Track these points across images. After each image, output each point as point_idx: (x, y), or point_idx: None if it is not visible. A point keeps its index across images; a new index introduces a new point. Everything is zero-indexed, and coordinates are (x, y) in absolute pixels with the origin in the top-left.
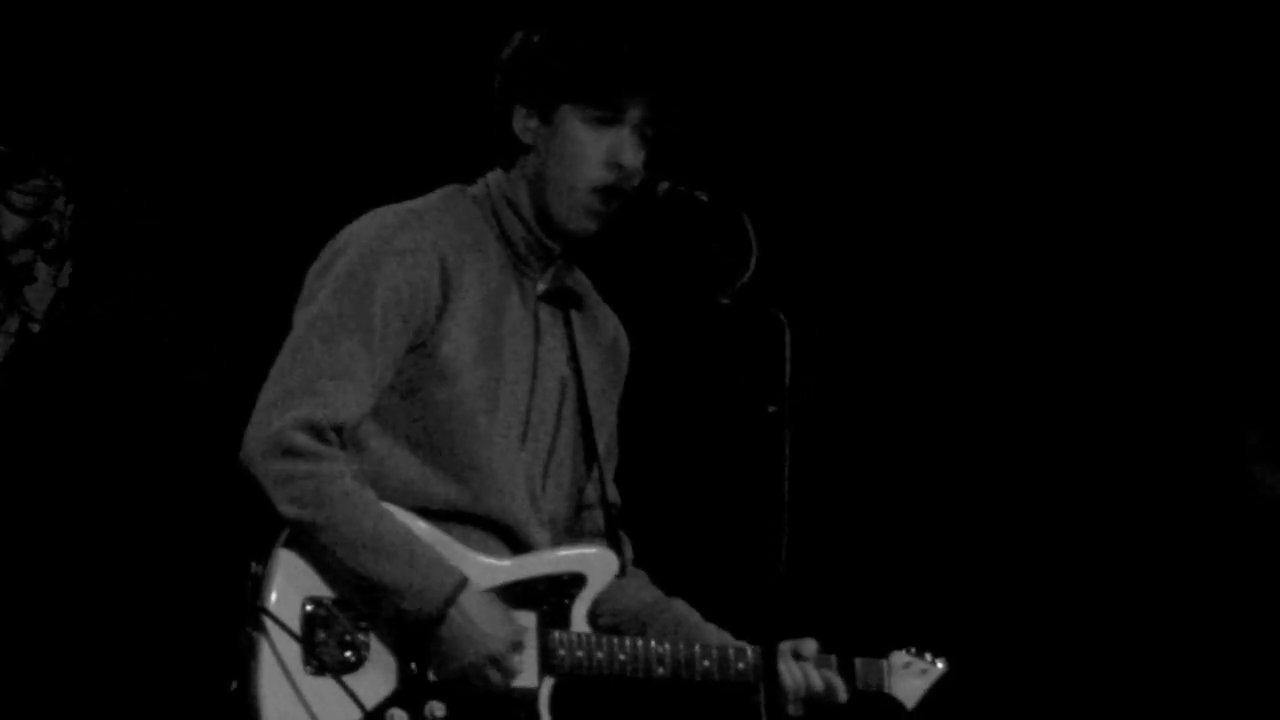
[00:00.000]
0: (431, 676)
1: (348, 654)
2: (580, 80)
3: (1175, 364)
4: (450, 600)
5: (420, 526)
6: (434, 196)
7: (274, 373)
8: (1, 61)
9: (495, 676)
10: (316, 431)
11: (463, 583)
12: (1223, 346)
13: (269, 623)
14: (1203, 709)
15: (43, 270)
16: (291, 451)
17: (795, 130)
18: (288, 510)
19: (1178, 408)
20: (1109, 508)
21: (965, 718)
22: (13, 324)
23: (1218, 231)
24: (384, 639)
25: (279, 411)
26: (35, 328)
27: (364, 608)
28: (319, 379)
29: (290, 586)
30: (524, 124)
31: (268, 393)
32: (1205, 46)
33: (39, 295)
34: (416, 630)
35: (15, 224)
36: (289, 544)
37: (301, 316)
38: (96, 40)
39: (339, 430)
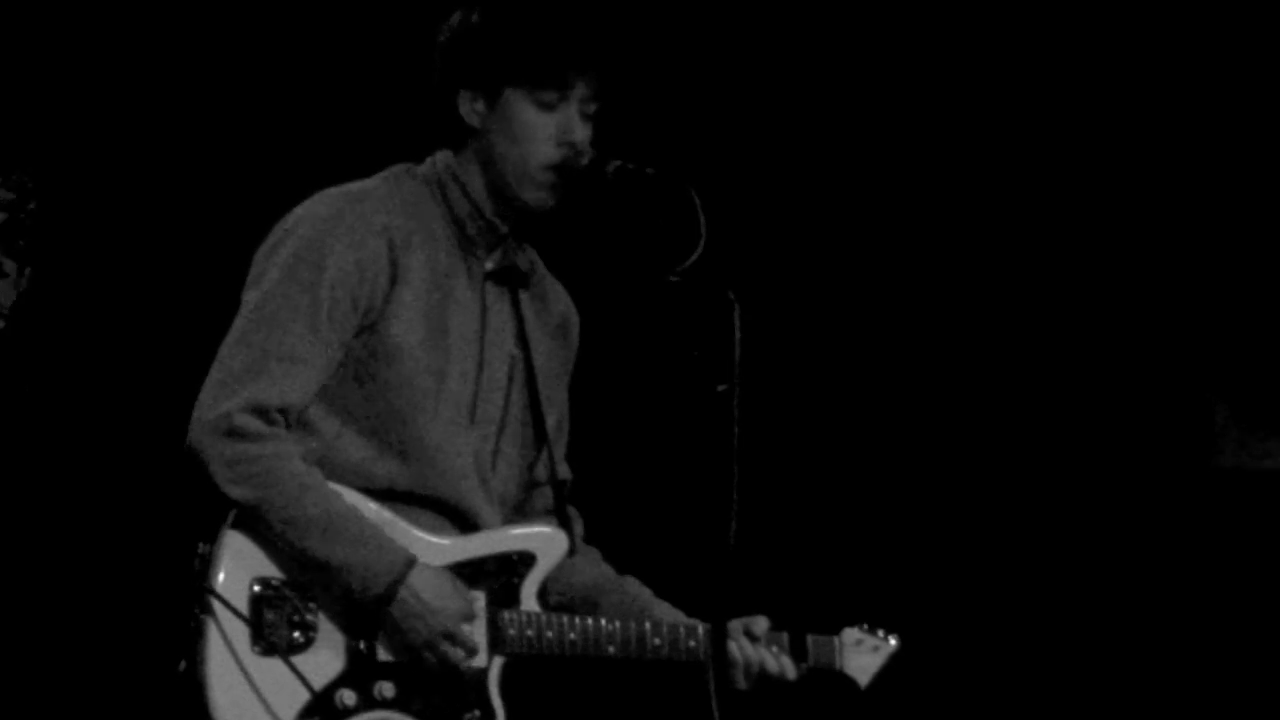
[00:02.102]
0: (381, 656)
1: (296, 634)
2: (524, 62)
3: (1142, 340)
4: (399, 579)
5: (369, 507)
6: (381, 177)
7: (221, 354)
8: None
9: (450, 652)
10: (263, 413)
11: (410, 561)
12: (1190, 322)
13: (217, 604)
14: (1172, 683)
15: (12, 267)
16: (238, 433)
17: (743, 105)
18: (234, 491)
19: (1144, 383)
20: (1070, 479)
21: (918, 694)
22: None
23: (1186, 211)
24: (333, 619)
25: (226, 394)
26: (0, 324)
27: (313, 588)
28: (266, 361)
29: (238, 567)
30: (469, 107)
31: (214, 375)
32: (1196, 46)
33: (8, 292)
34: (366, 611)
35: None
36: (237, 525)
37: (249, 298)
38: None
39: (285, 412)
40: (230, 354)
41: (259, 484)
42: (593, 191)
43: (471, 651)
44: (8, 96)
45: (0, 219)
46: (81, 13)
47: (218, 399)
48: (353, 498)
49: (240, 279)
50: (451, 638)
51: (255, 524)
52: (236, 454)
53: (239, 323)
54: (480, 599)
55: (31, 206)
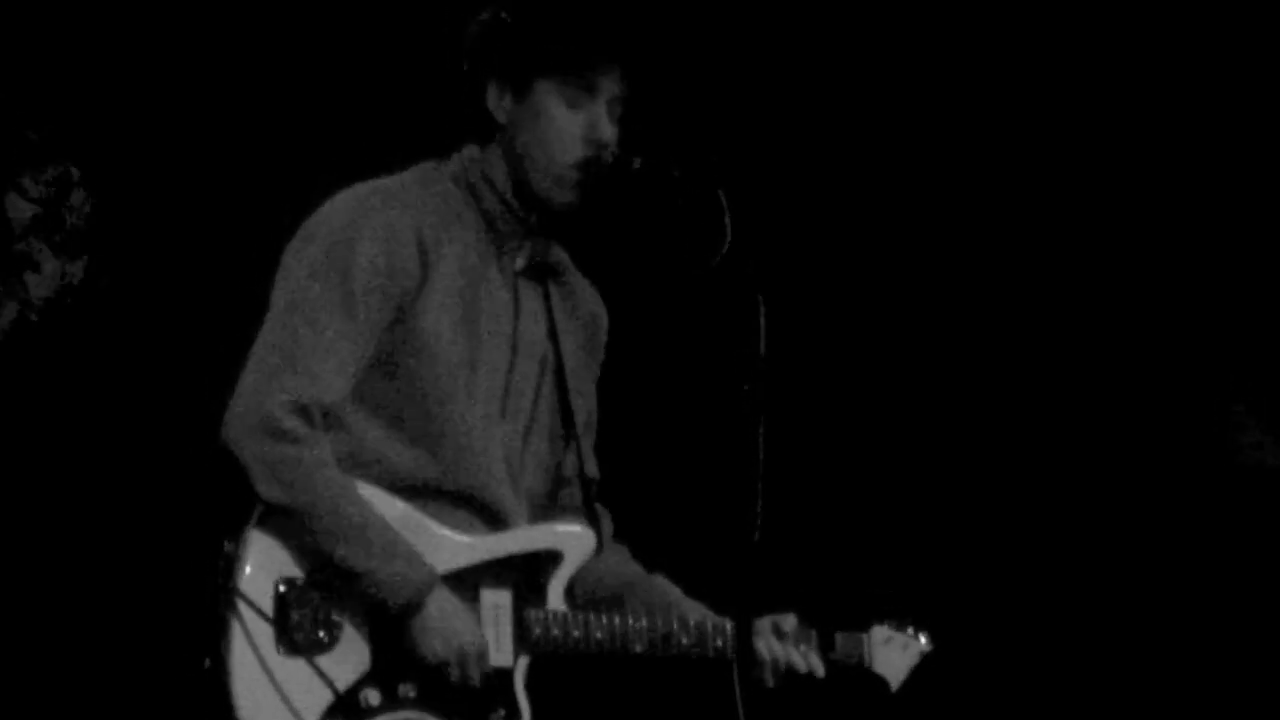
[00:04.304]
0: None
1: (320, 634)
2: (554, 55)
3: (1159, 337)
4: (424, 592)
5: (396, 507)
6: (409, 173)
7: (256, 352)
8: (32, 55)
9: (456, 674)
10: (304, 413)
11: (436, 580)
12: (1207, 318)
13: (241, 603)
14: (1192, 680)
15: (50, 261)
16: (280, 434)
17: (770, 104)
18: (269, 492)
19: (1162, 379)
20: (1092, 479)
21: (949, 692)
22: (11, 310)
23: (1200, 208)
24: (357, 620)
25: (266, 391)
26: (34, 317)
27: (338, 588)
28: (304, 359)
29: (263, 567)
30: (497, 101)
31: (251, 372)
32: (1195, 46)
33: (43, 286)
34: (390, 617)
35: (25, 211)
36: (261, 524)
37: (281, 296)
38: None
39: (325, 411)
40: (267, 351)
41: (297, 488)
42: (618, 190)
43: (472, 681)
44: (50, 89)
45: (33, 212)
46: (123, 9)
47: (258, 396)
48: (381, 495)
49: (269, 273)
50: (464, 660)
51: (282, 523)
52: (277, 455)
53: (273, 320)
54: (506, 598)
55: (72, 201)
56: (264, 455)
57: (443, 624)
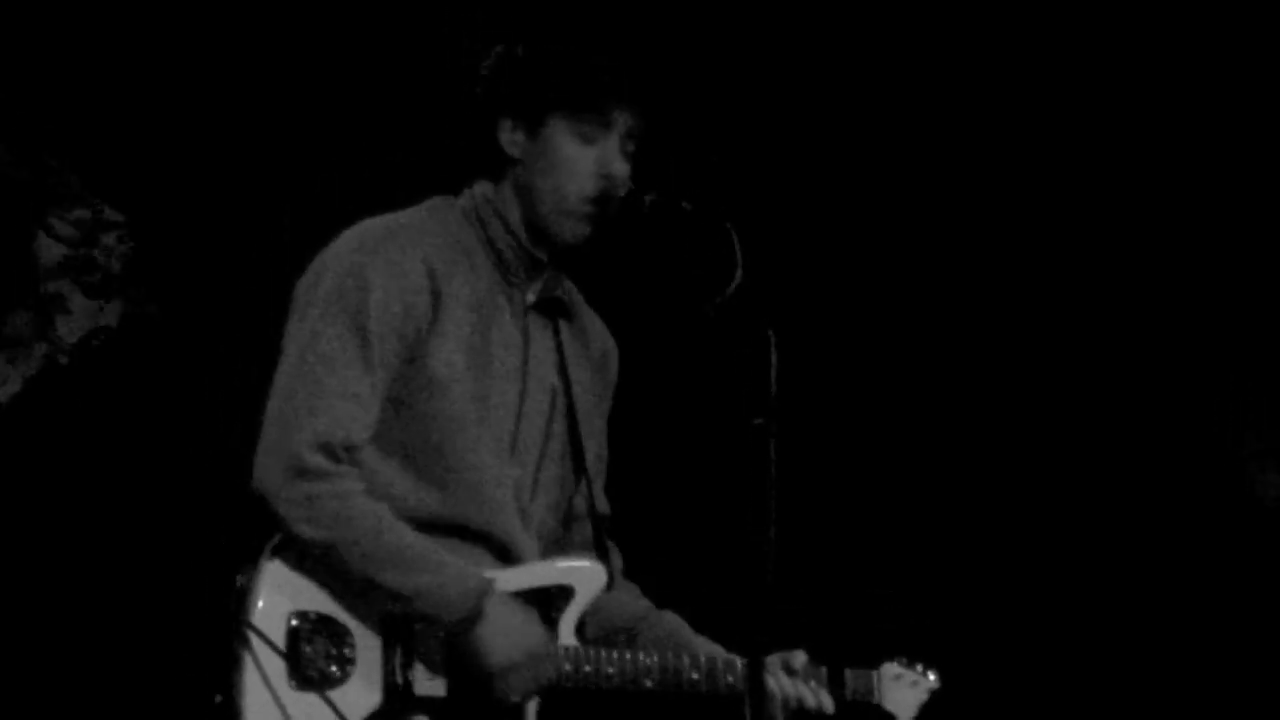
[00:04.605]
0: (418, 690)
1: (333, 668)
2: (567, 91)
3: (1175, 368)
4: (482, 599)
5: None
6: (420, 208)
7: (277, 395)
8: (65, 96)
9: (528, 675)
10: (329, 451)
11: (490, 585)
12: (1222, 350)
13: (254, 636)
14: (1204, 714)
15: (80, 302)
16: (307, 472)
17: (780, 139)
18: (307, 531)
19: (1177, 412)
20: (1107, 516)
21: None
22: (40, 350)
23: (1218, 235)
24: (369, 653)
25: (290, 433)
26: (63, 359)
27: (352, 621)
28: (326, 399)
29: (276, 600)
30: (510, 136)
31: (274, 415)
32: (1202, 47)
33: (72, 327)
34: (451, 637)
35: (54, 252)
36: (274, 557)
37: (296, 336)
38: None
39: (350, 449)
40: (288, 393)
41: (333, 524)
42: (629, 225)
43: (541, 683)
44: (84, 130)
45: (63, 253)
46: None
47: (282, 442)
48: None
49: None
50: (535, 659)
51: (294, 557)
52: (308, 493)
53: (289, 363)
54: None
55: (105, 242)
56: (295, 496)
57: (507, 628)
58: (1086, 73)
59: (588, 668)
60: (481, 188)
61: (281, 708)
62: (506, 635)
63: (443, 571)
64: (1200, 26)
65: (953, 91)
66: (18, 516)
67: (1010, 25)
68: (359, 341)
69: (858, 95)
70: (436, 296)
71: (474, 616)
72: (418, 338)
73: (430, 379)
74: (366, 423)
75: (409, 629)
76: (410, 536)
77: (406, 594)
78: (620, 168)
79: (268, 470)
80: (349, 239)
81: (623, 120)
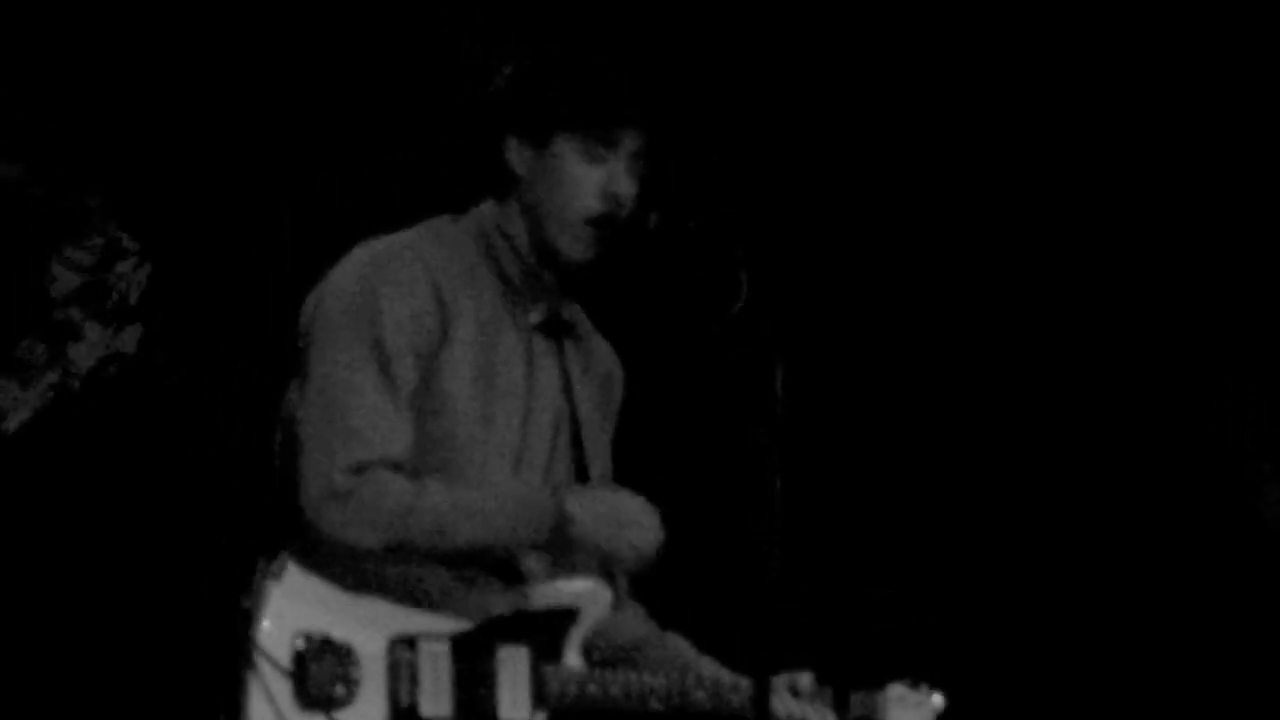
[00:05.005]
0: (424, 711)
1: (339, 689)
2: (574, 110)
3: (1175, 370)
4: (560, 505)
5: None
6: (424, 227)
7: (305, 430)
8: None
9: (649, 541)
10: (358, 471)
11: (559, 489)
12: (1236, 376)
13: (259, 658)
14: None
15: (94, 330)
16: (339, 495)
17: (786, 160)
18: (369, 540)
19: (1190, 439)
20: (1117, 540)
21: None
22: (53, 377)
23: (1218, 235)
24: (375, 674)
25: (324, 467)
26: (75, 385)
27: (353, 642)
28: (353, 425)
29: (281, 621)
30: (517, 154)
31: (308, 454)
32: (1202, 47)
33: (85, 354)
34: (554, 548)
35: (69, 280)
36: (279, 578)
37: (315, 365)
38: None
39: (396, 467)
40: (318, 430)
41: (383, 524)
42: (634, 244)
43: (652, 540)
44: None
45: (77, 281)
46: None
47: (318, 474)
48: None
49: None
50: (642, 535)
51: (300, 578)
52: (348, 516)
53: (313, 393)
54: (523, 654)
55: (119, 270)
56: (342, 521)
57: (596, 516)
58: (1086, 74)
59: (593, 688)
60: (487, 207)
61: None
62: (600, 522)
63: (505, 504)
64: (1200, 26)
65: (951, 110)
66: (27, 539)
67: (1008, 35)
68: (377, 362)
69: (862, 114)
70: (444, 315)
71: (562, 524)
72: (431, 354)
73: (436, 398)
74: (403, 439)
75: (414, 648)
76: (454, 493)
77: (487, 543)
78: (626, 188)
79: (312, 506)
80: (354, 260)
81: (630, 141)
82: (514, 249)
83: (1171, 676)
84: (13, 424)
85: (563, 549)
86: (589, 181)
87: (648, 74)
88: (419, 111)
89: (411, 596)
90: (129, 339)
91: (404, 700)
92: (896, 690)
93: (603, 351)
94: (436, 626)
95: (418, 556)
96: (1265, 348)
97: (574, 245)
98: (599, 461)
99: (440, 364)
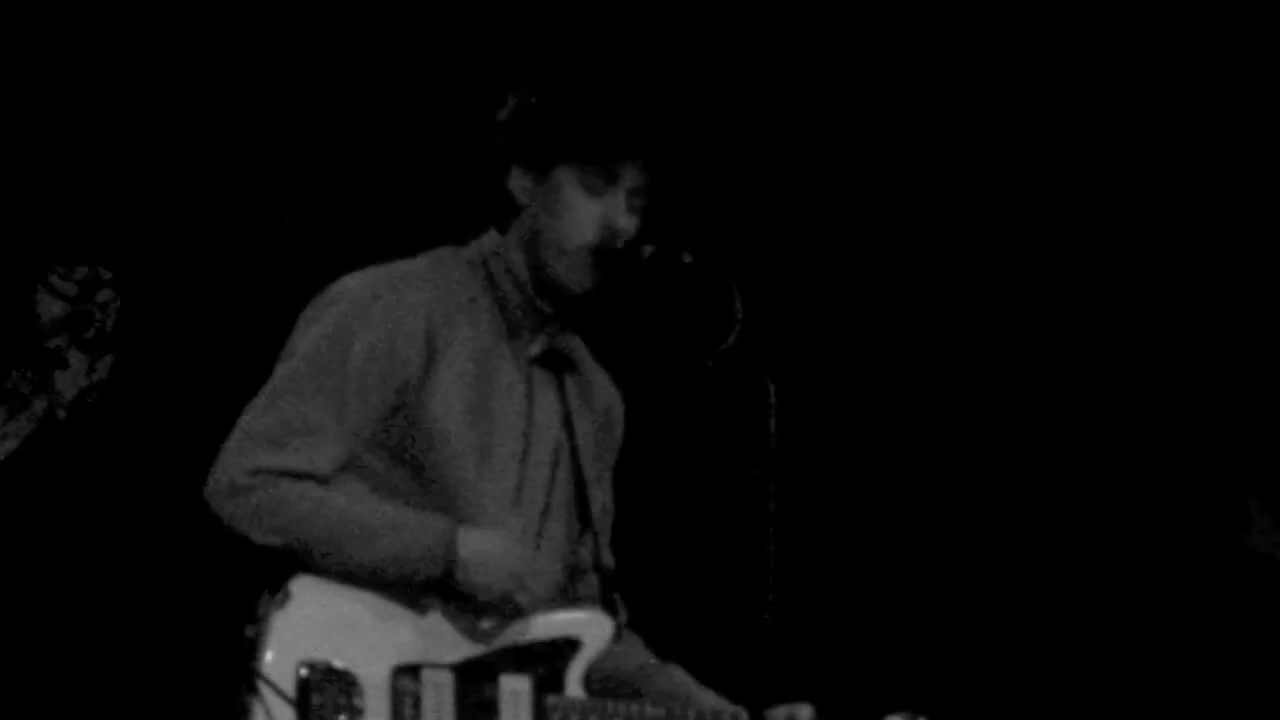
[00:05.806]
0: None
1: (342, 718)
2: (577, 141)
3: (1175, 371)
4: (451, 546)
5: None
6: (425, 258)
7: (241, 420)
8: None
9: (525, 599)
10: (258, 475)
11: (454, 527)
12: (1222, 351)
13: (263, 687)
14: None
15: (76, 358)
16: (238, 490)
17: (779, 191)
18: (260, 539)
19: (1180, 477)
20: (1109, 572)
21: None
22: (39, 407)
23: (1218, 236)
24: (378, 703)
25: (239, 459)
26: (61, 414)
27: (358, 668)
28: (281, 431)
29: (284, 650)
30: (519, 183)
31: (233, 440)
32: (1202, 47)
33: (69, 382)
34: (436, 586)
35: (54, 309)
36: (282, 606)
37: (280, 368)
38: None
39: (310, 478)
40: (250, 421)
41: (278, 526)
42: (628, 276)
43: (538, 596)
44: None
45: (64, 310)
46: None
47: (231, 464)
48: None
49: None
50: (521, 584)
51: (303, 607)
52: (245, 510)
53: (265, 391)
54: (525, 684)
55: (100, 299)
56: (233, 514)
57: (483, 560)
58: (1086, 75)
59: (594, 719)
60: (490, 237)
61: None
62: (486, 571)
63: (403, 529)
64: (1200, 26)
65: (942, 129)
66: (22, 568)
67: (1007, 40)
68: (336, 378)
69: (857, 146)
70: (432, 344)
71: (450, 568)
72: (409, 385)
73: (429, 430)
74: (322, 459)
75: (417, 677)
76: (356, 507)
77: (375, 566)
78: (625, 222)
79: (212, 492)
80: (348, 283)
81: (631, 176)
82: (514, 279)
83: (1172, 678)
84: (2, 454)
85: (451, 589)
86: (588, 213)
87: (652, 107)
88: (422, 144)
89: (415, 626)
90: (105, 367)
91: None
92: None
93: (603, 384)
94: (439, 656)
95: (333, 567)
96: (1257, 328)
97: (571, 275)
98: (599, 494)
99: (428, 393)
